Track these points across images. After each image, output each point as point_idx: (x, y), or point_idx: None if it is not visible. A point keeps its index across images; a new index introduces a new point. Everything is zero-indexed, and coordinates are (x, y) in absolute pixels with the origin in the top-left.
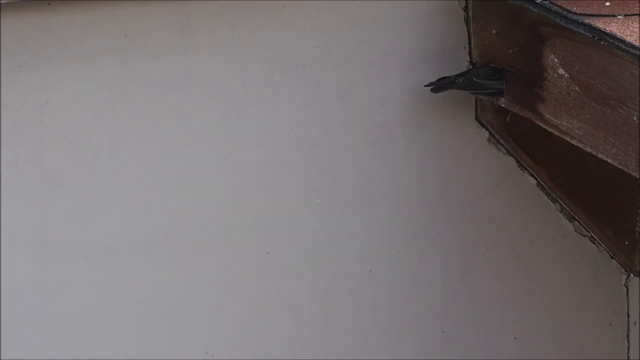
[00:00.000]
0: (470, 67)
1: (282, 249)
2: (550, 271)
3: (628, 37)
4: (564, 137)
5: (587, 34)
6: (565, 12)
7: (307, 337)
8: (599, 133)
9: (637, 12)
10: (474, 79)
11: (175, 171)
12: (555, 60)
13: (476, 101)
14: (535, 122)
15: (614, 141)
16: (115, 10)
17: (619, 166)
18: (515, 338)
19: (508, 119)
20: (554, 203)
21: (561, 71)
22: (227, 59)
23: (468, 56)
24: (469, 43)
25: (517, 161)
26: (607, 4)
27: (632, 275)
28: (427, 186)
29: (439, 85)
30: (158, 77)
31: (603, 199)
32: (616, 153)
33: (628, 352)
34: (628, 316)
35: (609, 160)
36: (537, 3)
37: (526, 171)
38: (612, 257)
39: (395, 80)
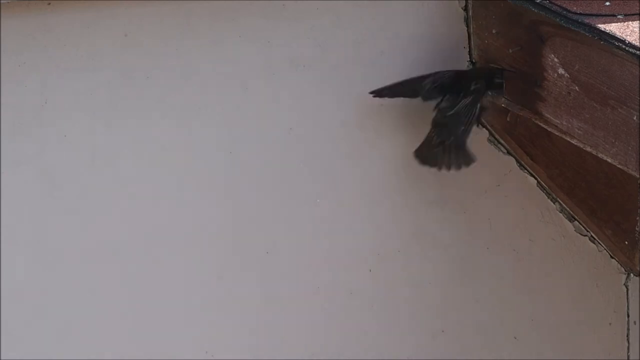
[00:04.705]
0: (470, 67)
1: (282, 249)
2: (550, 271)
3: (628, 37)
4: (564, 136)
5: (587, 34)
6: (565, 12)
7: (307, 337)
8: (599, 133)
9: (637, 12)
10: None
11: (175, 171)
12: (555, 60)
13: None
14: (535, 121)
15: (613, 141)
16: (115, 10)
17: (619, 166)
18: (515, 338)
19: (508, 119)
20: (554, 203)
21: (561, 71)
22: (227, 59)
23: (468, 56)
24: (469, 43)
25: (517, 161)
26: (607, 3)
27: (632, 275)
28: (427, 186)
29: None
30: (158, 77)
31: (603, 198)
32: (616, 153)
33: (628, 352)
34: (628, 316)
35: (609, 160)
36: (537, 3)
37: (526, 171)
38: (612, 257)
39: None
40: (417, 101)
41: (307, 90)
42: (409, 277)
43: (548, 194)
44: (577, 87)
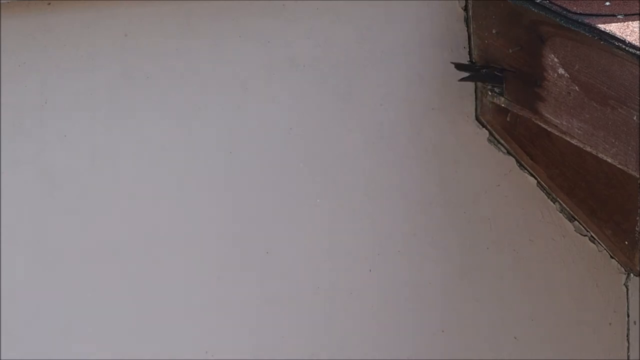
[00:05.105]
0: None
1: (282, 249)
2: (550, 271)
3: (628, 37)
4: (564, 136)
5: (587, 34)
6: (565, 12)
7: (307, 337)
8: (599, 133)
9: (637, 12)
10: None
11: (175, 171)
12: (555, 59)
13: (476, 101)
14: (535, 121)
15: (613, 141)
16: (115, 10)
17: (619, 166)
18: (515, 338)
19: (508, 119)
20: (554, 203)
21: (561, 71)
22: (227, 59)
23: (468, 56)
24: (469, 43)
25: (517, 161)
26: (607, 3)
27: (632, 275)
28: (427, 186)
29: (466, 76)
30: (158, 77)
31: (603, 198)
32: (616, 153)
33: (628, 352)
34: (628, 316)
35: (609, 160)
36: (537, 3)
37: (526, 171)
38: (612, 257)
39: (395, 80)
40: (416, 101)
41: (307, 90)
42: (409, 277)
43: (548, 194)
44: (577, 87)
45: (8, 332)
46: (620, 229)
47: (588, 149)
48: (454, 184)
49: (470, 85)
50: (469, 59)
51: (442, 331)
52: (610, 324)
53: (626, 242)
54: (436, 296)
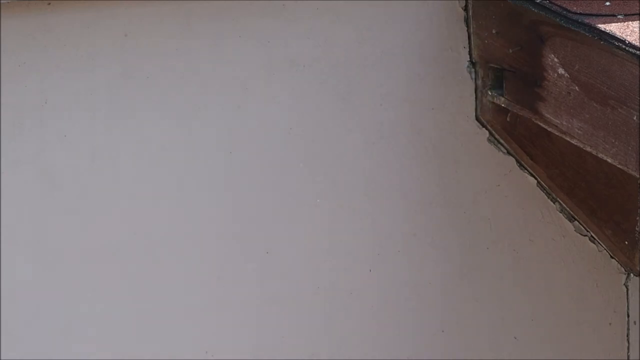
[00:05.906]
0: (471, 67)
1: (282, 249)
2: (550, 271)
3: (628, 37)
4: (564, 136)
5: (587, 34)
6: (565, 12)
7: (307, 337)
8: (599, 133)
9: (637, 12)
10: None
11: (175, 171)
12: (555, 59)
13: (476, 101)
14: (535, 121)
15: (613, 141)
16: (115, 10)
17: (619, 166)
18: (515, 338)
19: (508, 119)
20: (554, 203)
21: (561, 71)
22: (227, 59)
23: (468, 56)
24: (469, 43)
25: (517, 161)
26: (607, 3)
27: (632, 275)
28: (427, 186)
29: None
30: (158, 77)
31: (603, 198)
32: (616, 153)
33: (628, 352)
34: (628, 316)
35: (609, 160)
36: (537, 3)
37: (526, 171)
38: (612, 257)
39: (395, 80)
40: (416, 101)
41: (307, 90)
42: (409, 277)
43: (548, 194)
44: (577, 87)
45: (8, 332)
46: (620, 229)
47: (588, 149)
48: (454, 184)
49: (470, 85)
50: (469, 59)
51: (442, 331)
52: (610, 324)
53: (626, 242)
54: (436, 296)
